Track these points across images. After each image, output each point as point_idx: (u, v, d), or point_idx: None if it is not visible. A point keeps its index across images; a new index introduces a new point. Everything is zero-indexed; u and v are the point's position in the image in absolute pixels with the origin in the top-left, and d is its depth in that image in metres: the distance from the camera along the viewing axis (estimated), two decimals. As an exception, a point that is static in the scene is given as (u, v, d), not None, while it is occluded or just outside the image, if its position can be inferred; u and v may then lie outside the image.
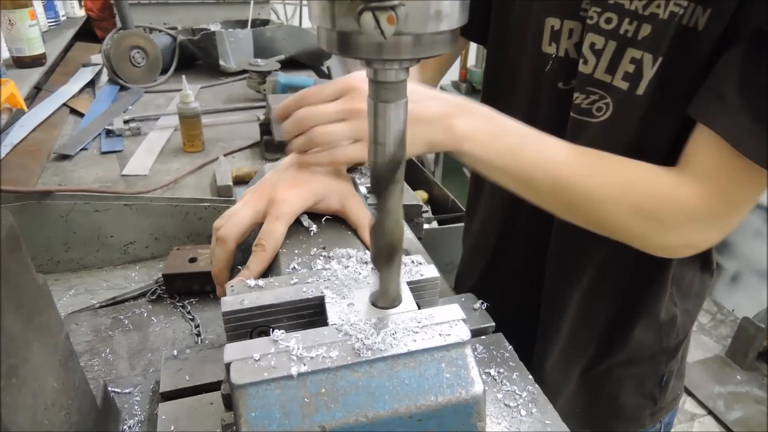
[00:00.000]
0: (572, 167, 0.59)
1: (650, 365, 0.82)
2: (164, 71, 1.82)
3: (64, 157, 1.20)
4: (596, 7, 0.62)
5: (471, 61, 3.44)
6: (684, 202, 0.57)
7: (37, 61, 1.63)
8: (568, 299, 0.77)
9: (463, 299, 0.65)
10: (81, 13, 2.33)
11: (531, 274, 0.82)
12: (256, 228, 0.58)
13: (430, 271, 0.50)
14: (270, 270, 0.56)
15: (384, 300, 0.43)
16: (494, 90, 0.84)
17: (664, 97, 0.60)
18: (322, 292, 0.46)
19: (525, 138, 0.60)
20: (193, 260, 0.82)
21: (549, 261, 0.78)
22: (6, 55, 1.62)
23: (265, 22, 2.15)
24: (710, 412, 2.35)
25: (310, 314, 0.46)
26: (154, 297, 0.81)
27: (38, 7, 1.95)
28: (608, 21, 0.62)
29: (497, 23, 0.78)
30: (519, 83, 0.76)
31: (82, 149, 1.25)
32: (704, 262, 0.78)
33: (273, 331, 0.40)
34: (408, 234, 1.03)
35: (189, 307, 0.78)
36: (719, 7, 0.54)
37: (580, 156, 0.59)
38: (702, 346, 2.71)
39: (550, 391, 0.82)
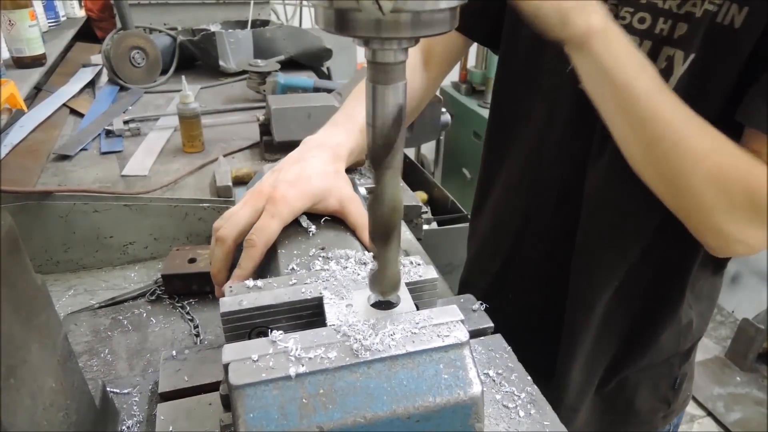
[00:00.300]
0: (675, 108, 0.56)
1: (665, 368, 0.82)
2: (164, 72, 1.82)
3: (64, 158, 1.20)
4: (628, 7, 0.62)
5: (471, 62, 3.45)
6: (755, 184, 0.55)
7: (37, 61, 1.63)
8: (593, 305, 0.77)
9: (462, 300, 0.65)
10: (81, 13, 2.33)
11: (549, 278, 0.81)
12: None
13: (429, 272, 0.50)
14: (269, 271, 0.56)
15: (382, 285, 0.42)
16: (508, 92, 0.84)
17: (697, 92, 0.59)
18: (320, 293, 0.46)
19: (645, 62, 0.57)
20: (192, 261, 0.82)
21: (574, 266, 0.78)
22: (6, 55, 1.62)
23: (265, 23, 2.15)
24: (710, 414, 2.35)
25: (309, 315, 0.47)
26: (153, 297, 0.81)
27: (38, 7, 1.95)
28: (642, 21, 0.62)
29: (513, 24, 0.78)
30: (537, 83, 0.76)
31: (81, 149, 1.25)
32: (717, 264, 0.78)
33: (271, 331, 0.41)
34: (407, 235, 1.03)
35: (188, 308, 0.78)
36: (757, 6, 0.54)
37: (682, 103, 0.57)
38: (702, 347, 2.70)
39: (572, 399, 0.82)
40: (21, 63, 1.61)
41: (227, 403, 0.41)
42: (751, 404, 2.39)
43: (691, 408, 2.38)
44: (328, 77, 1.99)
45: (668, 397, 0.84)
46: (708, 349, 2.71)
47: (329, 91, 1.44)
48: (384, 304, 0.44)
